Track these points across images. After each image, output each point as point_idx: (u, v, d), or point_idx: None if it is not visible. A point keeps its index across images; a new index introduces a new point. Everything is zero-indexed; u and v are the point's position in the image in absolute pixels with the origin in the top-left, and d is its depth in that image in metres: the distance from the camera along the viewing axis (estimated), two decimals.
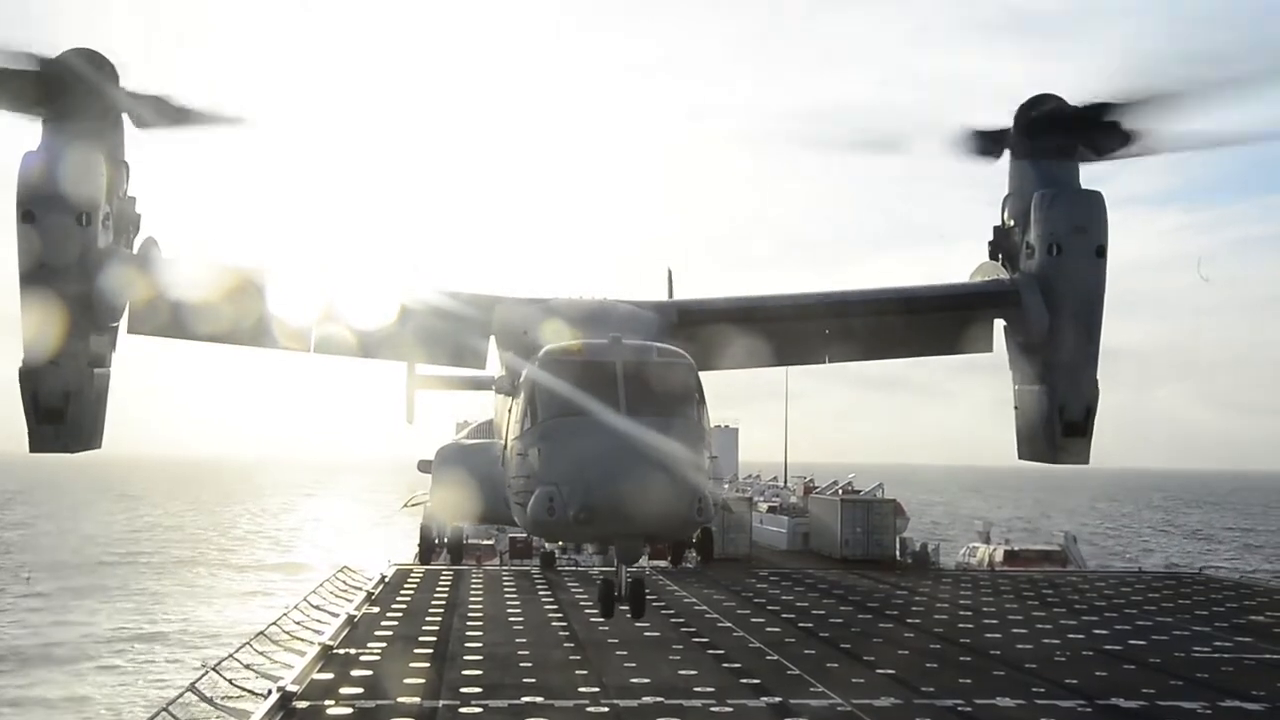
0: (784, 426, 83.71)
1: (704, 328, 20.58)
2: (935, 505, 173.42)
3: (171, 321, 19.55)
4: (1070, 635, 33.67)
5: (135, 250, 18.93)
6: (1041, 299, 19.20)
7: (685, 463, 14.95)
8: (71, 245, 17.60)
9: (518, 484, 16.03)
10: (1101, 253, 19.03)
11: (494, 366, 20.18)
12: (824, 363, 22.58)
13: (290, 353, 20.84)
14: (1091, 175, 19.89)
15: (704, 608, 38.91)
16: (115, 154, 18.56)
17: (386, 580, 43.86)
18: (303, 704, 23.09)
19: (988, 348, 21.37)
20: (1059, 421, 19.58)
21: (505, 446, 17.28)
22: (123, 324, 19.04)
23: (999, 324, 20.36)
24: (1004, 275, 20.05)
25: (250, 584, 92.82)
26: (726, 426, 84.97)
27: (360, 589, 41.58)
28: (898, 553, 60.05)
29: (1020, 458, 23.23)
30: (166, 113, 18.64)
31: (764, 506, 71.36)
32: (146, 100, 18.52)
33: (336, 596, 39.74)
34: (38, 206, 17.36)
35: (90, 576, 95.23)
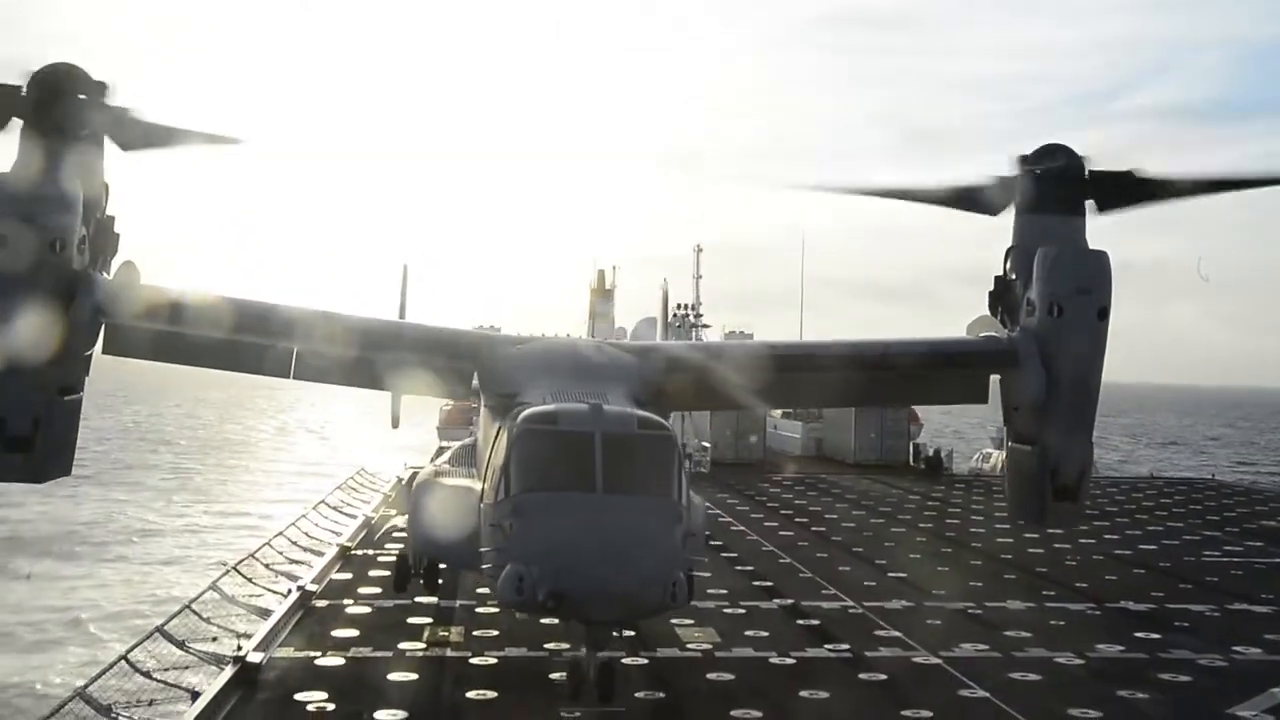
0: (799, 335, 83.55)
1: (688, 374, 20.28)
2: (949, 414, 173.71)
3: (148, 346, 19.02)
4: (1081, 540, 33.87)
5: (113, 273, 18.37)
6: (1039, 361, 18.71)
7: (661, 547, 14.45)
8: (45, 272, 17.00)
9: (489, 556, 15.46)
10: (1104, 315, 18.46)
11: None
12: (814, 407, 22.45)
13: (270, 378, 20.65)
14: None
15: (717, 511, 39.23)
16: (95, 174, 17.83)
17: (404, 482, 44.26)
18: (322, 603, 23.44)
19: (982, 399, 21.02)
20: (1050, 485, 19.16)
21: (481, 497, 16.59)
22: (97, 346, 18.48)
23: (995, 377, 20.01)
24: (1002, 330, 19.57)
25: (265, 484, 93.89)
26: (741, 333, 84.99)
27: (377, 491, 42.05)
28: (911, 458, 60.36)
29: (1010, 517, 23.13)
30: (152, 133, 17.93)
31: (778, 412, 71.58)
32: (131, 118, 17.76)
33: (354, 498, 40.19)
34: (10, 230, 16.67)
35: (104, 467, 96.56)
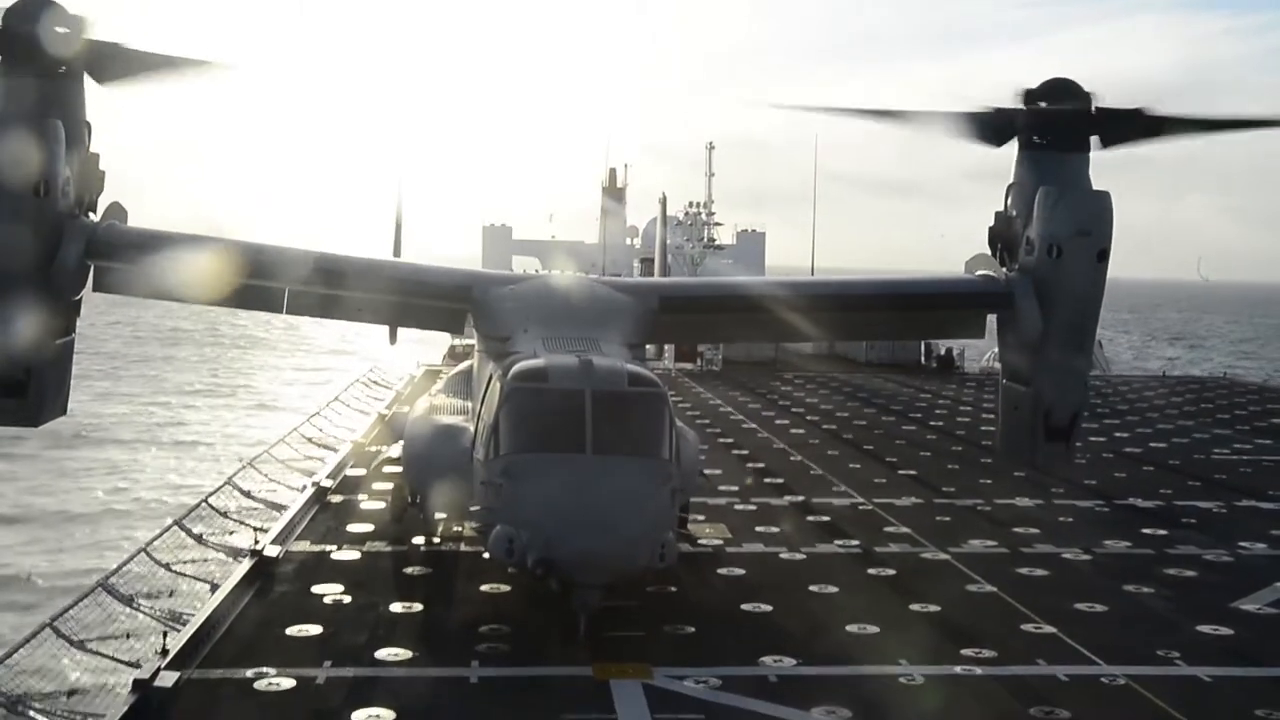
0: (811, 231, 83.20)
1: (684, 311, 20.29)
2: None
3: (138, 284, 18.78)
4: (1092, 438, 33.96)
5: (99, 214, 18.05)
6: (1036, 302, 18.39)
7: (650, 509, 14.44)
8: (29, 218, 16.63)
9: (480, 514, 15.47)
10: (1103, 257, 17.98)
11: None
12: (810, 342, 22.29)
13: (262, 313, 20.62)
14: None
15: (729, 409, 39.43)
16: (76, 112, 17.30)
17: (416, 380, 44.53)
18: (337, 498, 23.75)
19: (979, 336, 20.97)
20: (1042, 426, 18.92)
21: (472, 443, 16.52)
22: (87, 287, 18.17)
23: (992, 316, 19.82)
24: (1000, 269, 19.33)
25: (278, 377, 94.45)
26: (753, 231, 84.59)
27: (390, 388, 42.31)
28: (922, 357, 60.32)
29: (998, 455, 23.00)
30: (131, 64, 17.34)
31: None
32: (110, 51, 17.18)
33: (367, 395, 40.45)
34: None
35: (123, 363, 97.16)
